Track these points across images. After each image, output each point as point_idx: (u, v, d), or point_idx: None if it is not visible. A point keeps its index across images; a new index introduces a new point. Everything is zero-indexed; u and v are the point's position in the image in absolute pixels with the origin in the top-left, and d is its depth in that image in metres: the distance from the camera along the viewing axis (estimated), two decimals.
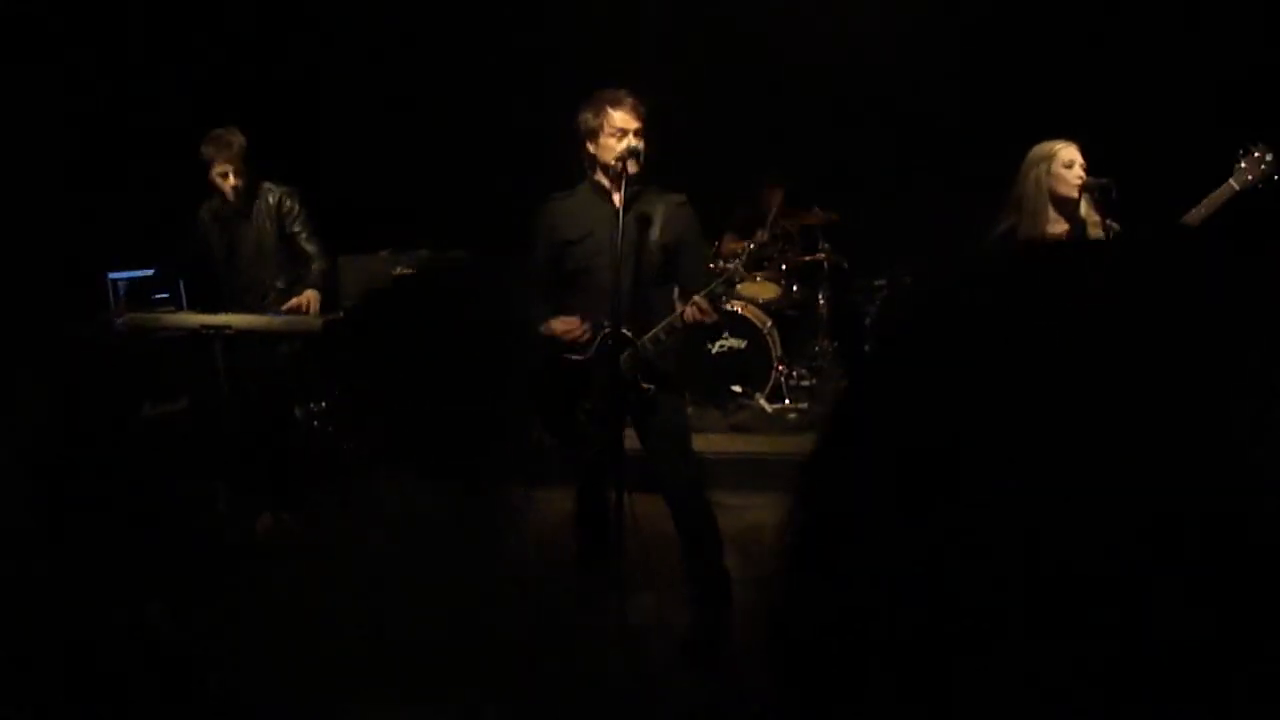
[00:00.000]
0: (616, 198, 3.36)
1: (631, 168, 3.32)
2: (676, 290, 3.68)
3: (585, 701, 1.06)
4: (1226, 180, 3.51)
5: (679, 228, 3.48)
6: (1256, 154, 3.51)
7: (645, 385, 3.40)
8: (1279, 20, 5.31)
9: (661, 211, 3.44)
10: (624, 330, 3.35)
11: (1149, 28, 5.72)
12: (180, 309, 5.09)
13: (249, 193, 4.83)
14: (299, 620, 1.16)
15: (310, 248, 4.91)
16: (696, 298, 3.33)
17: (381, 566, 1.16)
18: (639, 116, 3.34)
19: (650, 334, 3.36)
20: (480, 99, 7.01)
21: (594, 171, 3.46)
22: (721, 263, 3.63)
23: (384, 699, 1.07)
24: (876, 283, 6.48)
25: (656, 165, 3.46)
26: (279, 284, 4.86)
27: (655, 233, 3.42)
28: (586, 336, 3.40)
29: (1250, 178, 3.49)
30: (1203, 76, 5.53)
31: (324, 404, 5.28)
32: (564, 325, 3.39)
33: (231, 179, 4.73)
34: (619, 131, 3.33)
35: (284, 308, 4.71)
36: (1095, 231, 3.68)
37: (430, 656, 1.08)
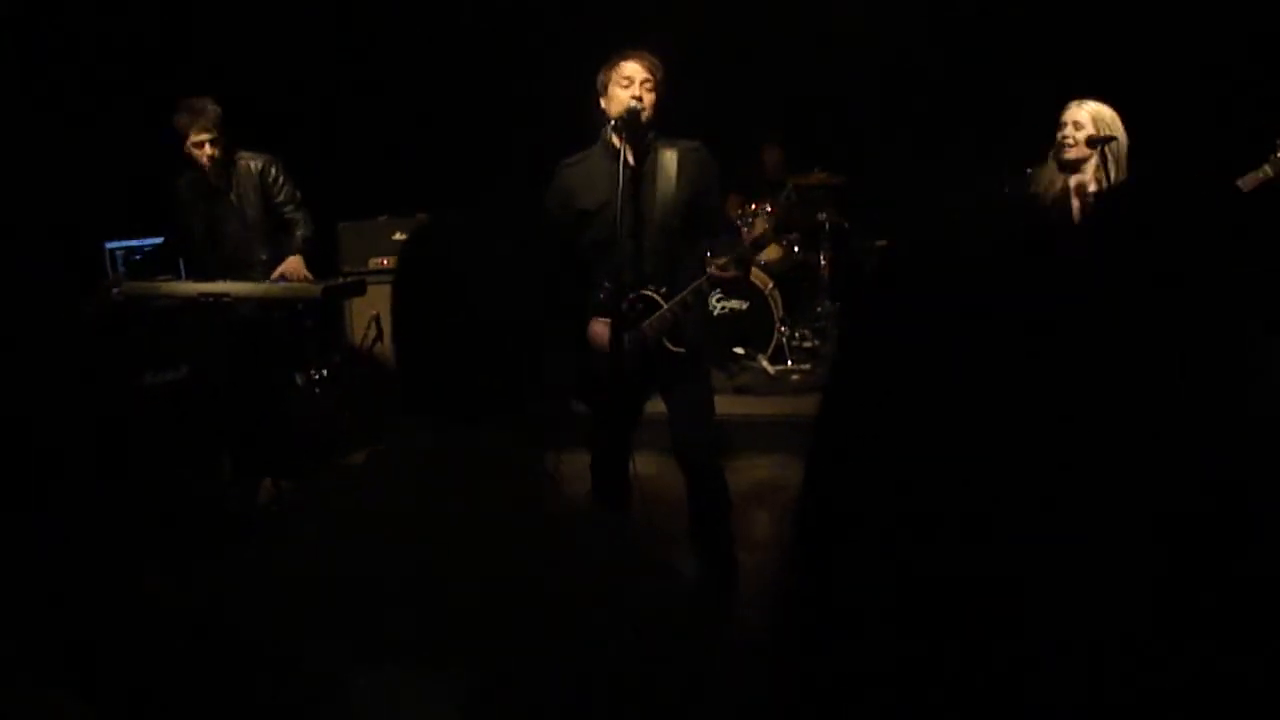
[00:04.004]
0: (631, 157, 3.27)
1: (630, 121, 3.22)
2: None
3: (589, 664, 1.04)
4: (1260, 165, 3.45)
5: (696, 177, 3.37)
6: None
7: (675, 348, 3.36)
8: None
9: (676, 162, 3.33)
10: (650, 292, 3.31)
11: None
12: (179, 278, 5.05)
13: (226, 163, 4.65)
14: (304, 584, 1.14)
15: (296, 216, 4.80)
16: (719, 261, 3.26)
17: (389, 528, 1.14)
18: (649, 70, 3.25)
19: (677, 298, 3.30)
20: (479, 62, 6.94)
21: (605, 130, 3.36)
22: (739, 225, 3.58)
23: (387, 661, 1.06)
24: (878, 243, 6.44)
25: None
26: (263, 256, 4.74)
27: (673, 186, 3.32)
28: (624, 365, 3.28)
29: None
30: (1203, 43, 5.46)
31: (325, 371, 5.27)
32: (602, 338, 3.28)
33: (209, 149, 4.52)
34: (626, 80, 3.25)
35: (272, 277, 4.67)
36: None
37: (433, 620, 1.07)
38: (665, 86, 3.30)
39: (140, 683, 1.70)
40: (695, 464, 3.48)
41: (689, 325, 3.37)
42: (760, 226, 3.32)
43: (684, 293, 3.29)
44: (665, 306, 3.31)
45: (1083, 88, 3.77)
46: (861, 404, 0.56)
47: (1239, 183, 3.37)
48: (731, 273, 3.25)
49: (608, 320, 3.26)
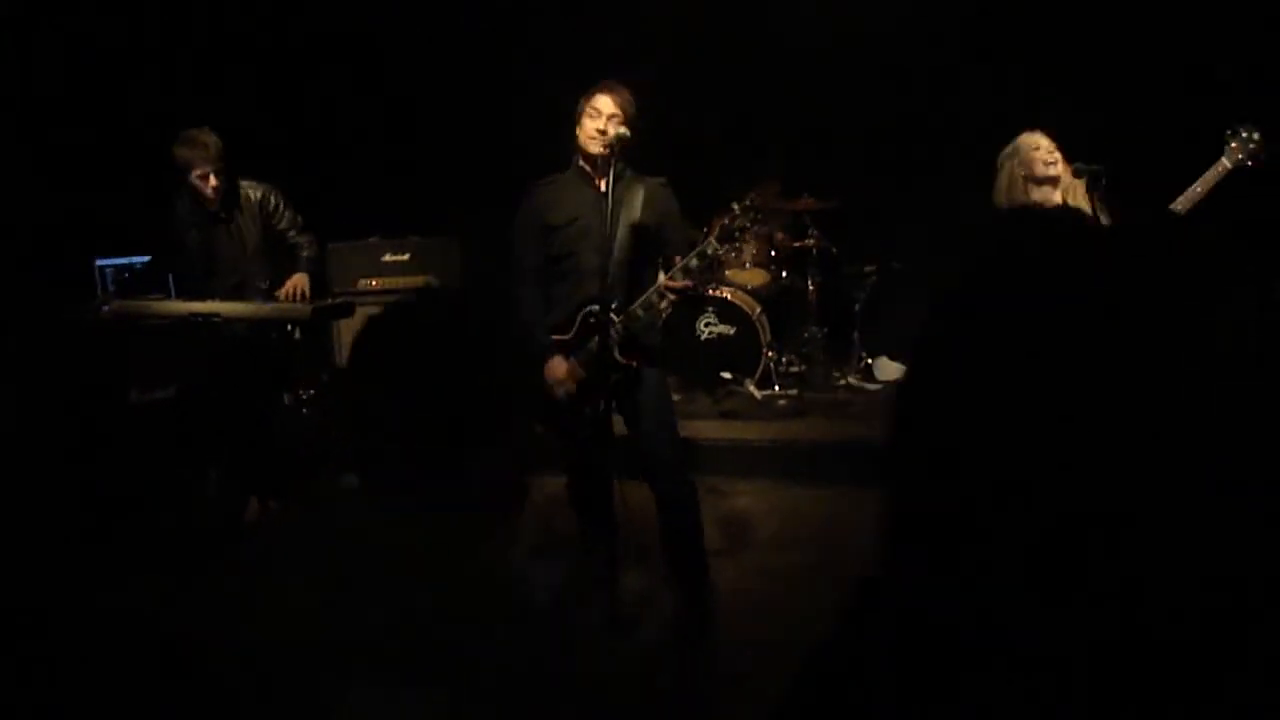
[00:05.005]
0: (600, 182, 3.42)
1: (594, 148, 3.37)
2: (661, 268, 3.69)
3: (575, 684, 1.06)
4: (1219, 159, 3.54)
5: (660, 207, 3.55)
6: (1244, 133, 3.54)
7: (627, 361, 3.41)
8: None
9: (643, 193, 3.50)
10: (609, 309, 3.38)
11: (1135, 17, 5.71)
12: (168, 297, 5.06)
13: (228, 193, 4.67)
14: (286, 605, 1.16)
15: (300, 240, 4.86)
16: (667, 274, 3.38)
17: (368, 551, 1.16)
18: (618, 104, 3.40)
19: (629, 309, 3.39)
20: (470, 82, 6.98)
21: (577, 156, 3.52)
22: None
23: (372, 682, 1.08)
24: (866, 269, 6.48)
25: (650, 153, 3.51)
26: (262, 285, 4.77)
27: (638, 213, 3.47)
28: (577, 380, 3.40)
29: (1241, 156, 3.52)
30: (1181, 60, 5.54)
31: (312, 392, 5.27)
32: (558, 374, 3.39)
33: (213, 180, 4.54)
34: (595, 112, 3.39)
35: (278, 293, 4.69)
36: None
37: (417, 639, 1.08)
38: (637, 121, 3.43)
39: (122, 695, 1.70)
40: (660, 478, 3.51)
41: (639, 338, 3.44)
42: (710, 237, 3.42)
43: (635, 304, 3.38)
44: (619, 317, 3.39)
45: (1070, 113, 3.83)
46: (960, 406, 0.58)
47: (1174, 205, 3.46)
48: (680, 282, 3.35)
49: (562, 338, 3.41)
